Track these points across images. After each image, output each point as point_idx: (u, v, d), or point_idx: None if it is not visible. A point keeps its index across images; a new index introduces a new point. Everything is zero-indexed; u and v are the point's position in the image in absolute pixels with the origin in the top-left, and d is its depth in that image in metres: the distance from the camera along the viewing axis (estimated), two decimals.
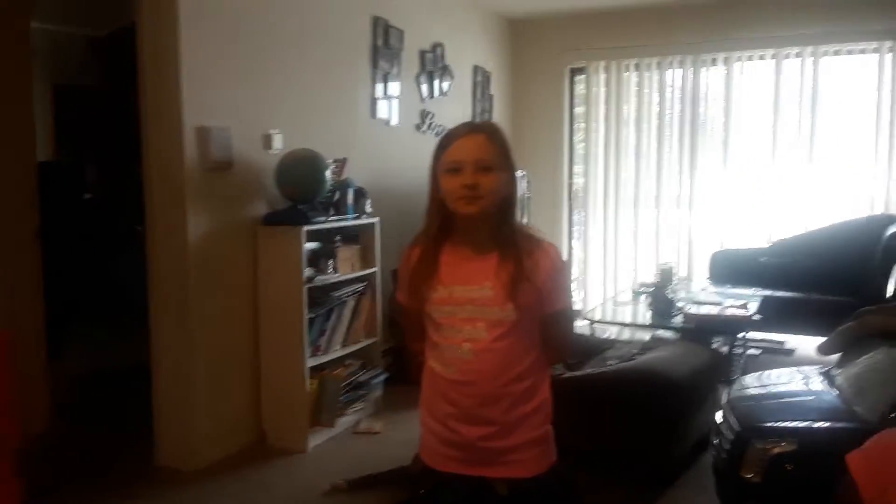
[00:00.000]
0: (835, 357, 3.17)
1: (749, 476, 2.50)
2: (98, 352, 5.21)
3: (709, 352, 3.81)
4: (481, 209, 1.64)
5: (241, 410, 3.76)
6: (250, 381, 3.80)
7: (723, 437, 2.75)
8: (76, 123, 6.31)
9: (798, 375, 3.06)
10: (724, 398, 3.01)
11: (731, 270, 5.74)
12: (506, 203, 1.70)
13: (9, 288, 3.70)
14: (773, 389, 2.92)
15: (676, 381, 3.24)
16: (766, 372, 3.18)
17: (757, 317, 4.27)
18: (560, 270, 1.73)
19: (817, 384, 2.91)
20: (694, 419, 3.36)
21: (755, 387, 2.98)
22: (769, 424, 2.60)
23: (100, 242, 5.83)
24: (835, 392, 2.79)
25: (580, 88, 6.68)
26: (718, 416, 2.89)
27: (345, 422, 4.00)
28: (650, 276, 5.56)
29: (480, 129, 1.71)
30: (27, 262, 3.85)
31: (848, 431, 2.51)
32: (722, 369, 3.76)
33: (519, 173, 5.51)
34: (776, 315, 4.93)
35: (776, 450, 2.46)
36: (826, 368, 3.06)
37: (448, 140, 1.69)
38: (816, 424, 2.58)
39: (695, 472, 3.34)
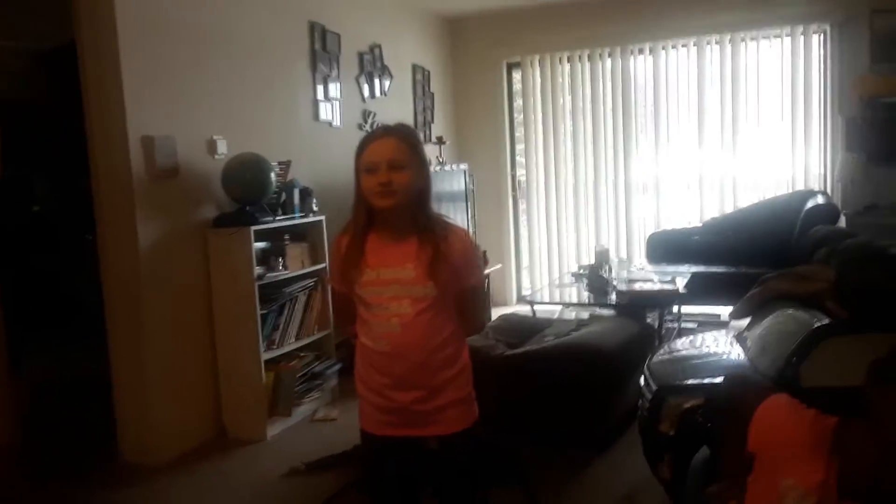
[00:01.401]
0: (746, 321, 3.46)
1: (665, 430, 2.77)
2: (56, 363, 5.29)
3: (639, 325, 4.09)
4: (395, 202, 1.87)
5: (200, 405, 3.92)
6: (208, 377, 3.96)
7: (644, 398, 3.02)
8: (22, 138, 6.34)
9: (712, 339, 3.34)
10: (646, 363, 3.28)
11: (666, 250, 6.06)
12: (420, 195, 1.92)
13: None
14: (688, 352, 3.19)
15: (606, 352, 3.51)
16: (685, 338, 3.45)
17: (683, 291, 4.55)
18: (471, 251, 1.96)
19: (728, 346, 3.19)
20: (625, 387, 3.62)
21: (673, 351, 3.25)
22: (682, 382, 2.87)
23: (50, 253, 5.90)
24: (742, 352, 3.08)
25: (517, 82, 6.93)
26: (641, 380, 3.15)
27: (302, 411, 4.19)
28: (590, 259, 5.85)
29: (392, 133, 1.93)
30: None
31: (750, 385, 2.80)
32: (652, 341, 4.03)
33: (464, 167, 5.64)
34: (709, 289, 5.25)
35: (687, 404, 2.73)
36: (738, 332, 3.35)
37: (365, 143, 1.92)
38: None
39: (628, 437, 3.60)
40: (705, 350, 3.21)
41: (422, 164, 1.93)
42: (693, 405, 2.72)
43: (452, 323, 1.96)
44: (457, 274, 1.92)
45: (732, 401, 2.02)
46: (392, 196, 1.86)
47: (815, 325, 2.74)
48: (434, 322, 1.91)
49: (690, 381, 2.85)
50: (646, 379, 3.09)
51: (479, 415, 2.05)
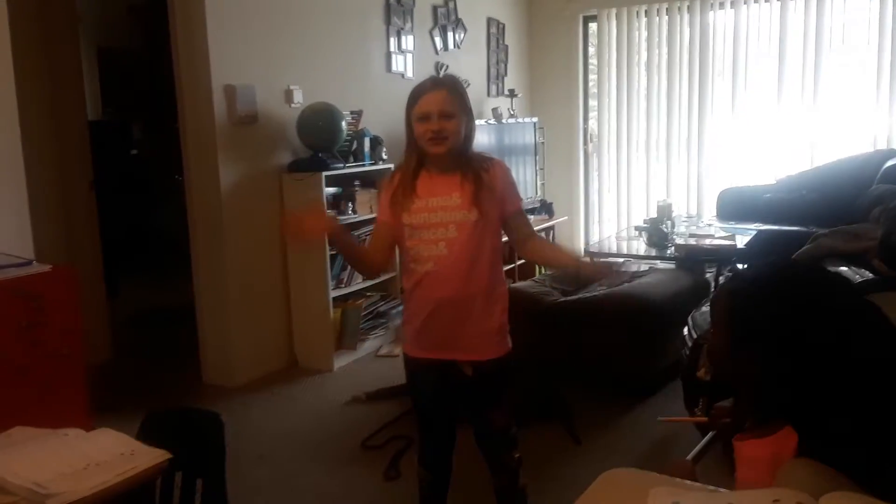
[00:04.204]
0: None
1: (702, 376, 2.89)
2: (149, 291, 5.78)
3: (692, 278, 4.15)
4: (447, 148, 2.07)
5: (274, 336, 4.26)
6: (282, 310, 4.29)
7: (686, 346, 3.14)
8: (121, 84, 6.80)
9: None
10: (691, 314, 3.38)
11: (737, 207, 5.99)
12: (465, 139, 2.12)
13: (69, 231, 4.21)
14: None
15: (651, 303, 3.62)
16: None
17: (742, 248, 4.56)
18: (510, 179, 2.18)
19: None
20: (672, 338, 3.72)
21: None
22: None
23: (146, 193, 6.37)
24: None
25: (593, 36, 6.90)
26: (685, 330, 3.27)
27: (367, 346, 4.49)
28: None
29: (443, 84, 2.12)
30: (84, 209, 4.35)
31: None
32: (704, 294, 4.09)
33: (534, 120, 5.76)
34: (776, 248, 5.20)
35: None
36: None
37: (417, 94, 2.11)
38: None
39: (673, 386, 3.71)
40: None
41: (468, 112, 2.13)
42: None
43: (493, 254, 2.16)
44: (501, 200, 2.14)
45: None
46: (444, 143, 2.06)
47: (857, 281, 2.80)
48: (477, 245, 2.11)
49: None
50: (688, 329, 3.21)
51: (512, 347, 2.23)
